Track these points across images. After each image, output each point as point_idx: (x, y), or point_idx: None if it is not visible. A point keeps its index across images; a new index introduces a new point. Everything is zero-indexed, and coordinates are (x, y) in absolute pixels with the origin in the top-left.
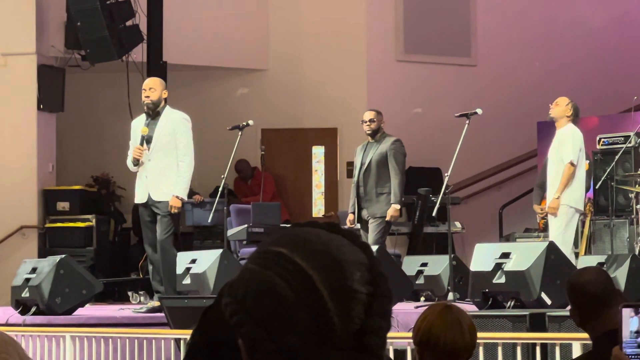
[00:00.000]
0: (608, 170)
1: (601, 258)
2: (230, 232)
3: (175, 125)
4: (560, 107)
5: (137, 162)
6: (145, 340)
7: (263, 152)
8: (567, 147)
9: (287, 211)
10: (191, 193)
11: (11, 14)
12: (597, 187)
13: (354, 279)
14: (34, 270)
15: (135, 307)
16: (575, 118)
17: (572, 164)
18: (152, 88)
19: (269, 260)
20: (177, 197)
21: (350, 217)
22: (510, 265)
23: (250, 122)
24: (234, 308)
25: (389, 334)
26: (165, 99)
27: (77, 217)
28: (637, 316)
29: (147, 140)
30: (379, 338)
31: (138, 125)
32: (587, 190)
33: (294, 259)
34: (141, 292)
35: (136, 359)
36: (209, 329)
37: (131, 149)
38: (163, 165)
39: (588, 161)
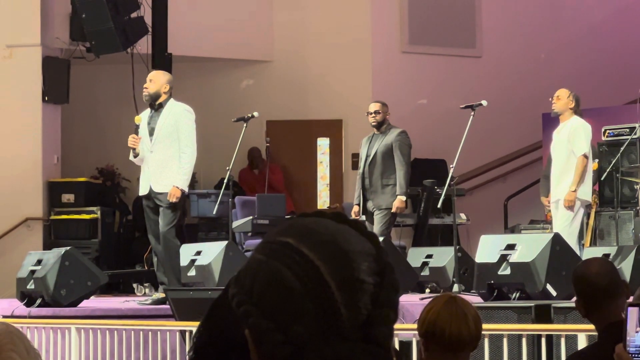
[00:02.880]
0: (613, 161)
1: (607, 250)
2: (235, 224)
3: (177, 117)
4: (562, 101)
5: (136, 154)
6: (150, 332)
7: (268, 144)
8: (580, 140)
9: (292, 203)
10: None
11: (16, 5)
12: (602, 178)
13: (361, 269)
14: (39, 262)
15: (140, 299)
16: (578, 108)
17: (585, 156)
18: (152, 80)
19: (276, 250)
20: (176, 187)
21: (356, 208)
22: (515, 257)
23: (256, 113)
24: (240, 298)
25: (395, 326)
26: (168, 92)
27: (82, 209)
28: None
29: (149, 132)
30: (386, 328)
31: (142, 118)
32: (594, 184)
33: (300, 250)
34: (146, 284)
35: (141, 351)
36: (216, 320)
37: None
38: (165, 157)
39: (597, 160)
